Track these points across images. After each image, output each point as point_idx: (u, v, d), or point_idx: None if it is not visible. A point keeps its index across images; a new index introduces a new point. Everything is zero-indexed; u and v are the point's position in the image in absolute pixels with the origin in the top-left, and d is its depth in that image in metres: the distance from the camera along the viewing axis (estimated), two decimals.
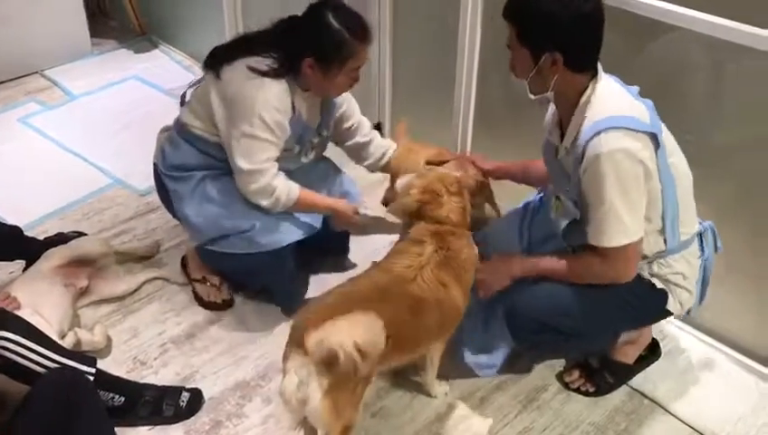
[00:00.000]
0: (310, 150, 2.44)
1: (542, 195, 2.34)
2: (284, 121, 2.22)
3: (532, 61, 1.85)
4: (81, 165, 3.38)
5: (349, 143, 2.62)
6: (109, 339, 2.42)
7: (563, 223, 2.01)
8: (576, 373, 2.29)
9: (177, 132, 2.38)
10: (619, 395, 2.28)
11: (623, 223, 1.83)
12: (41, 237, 2.73)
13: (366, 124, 2.62)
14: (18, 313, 2.15)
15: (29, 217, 2.98)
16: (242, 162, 2.21)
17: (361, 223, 2.52)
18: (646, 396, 2.27)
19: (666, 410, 2.23)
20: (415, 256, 1.99)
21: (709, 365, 2.37)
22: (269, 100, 2.17)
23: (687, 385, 2.31)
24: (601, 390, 2.27)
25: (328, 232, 2.52)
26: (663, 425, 2.20)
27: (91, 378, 2.02)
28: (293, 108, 2.25)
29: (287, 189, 2.28)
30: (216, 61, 2.26)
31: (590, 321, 2.03)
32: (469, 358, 2.27)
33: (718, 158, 2.20)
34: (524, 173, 2.40)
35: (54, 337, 2.14)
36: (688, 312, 2.12)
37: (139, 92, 3.95)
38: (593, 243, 1.89)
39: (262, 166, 2.22)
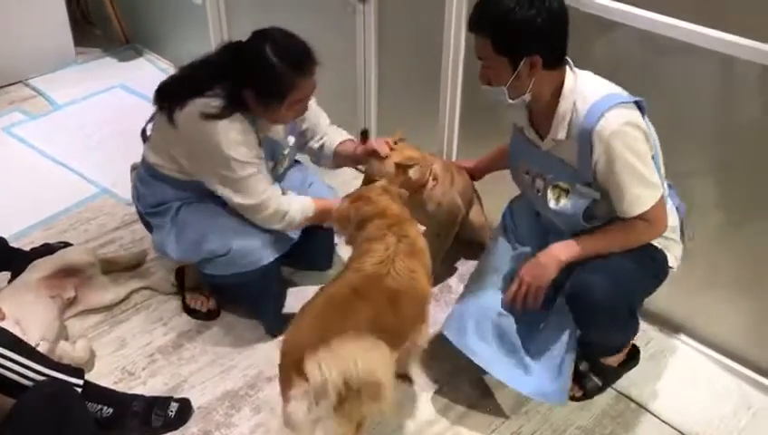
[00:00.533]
0: (284, 161, 2.44)
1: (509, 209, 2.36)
2: (255, 150, 2.19)
3: (511, 68, 1.88)
4: (66, 174, 3.37)
5: (307, 146, 2.57)
6: (92, 353, 2.41)
7: (573, 208, 2.01)
8: None
9: (146, 171, 2.36)
10: (605, 399, 2.30)
11: (650, 183, 1.93)
12: (27, 248, 2.73)
13: (323, 125, 2.55)
14: (1, 324, 2.15)
15: (15, 227, 2.97)
16: (241, 199, 2.20)
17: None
18: (632, 400, 2.29)
19: (651, 413, 2.25)
20: (382, 251, 1.99)
21: (692, 367, 2.40)
22: (232, 140, 2.13)
23: (671, 387, 2.33)
24: (589, 393, 2.29)
25: (312, 247, 2.53)
26: (649, 428, 2.22)
27: (79, 390, 2.02)
28: (257, 135, 2.22)
29: (301, 209, 2.29)
30: (166, 102, 2.20)
31: (637, 291, 2.09)
32: (530, 389, 2.14)
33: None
34: (505, 159, 2.43)
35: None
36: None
37: (124, 101, 3.94)
38: (633, 214, 1.95)
39: (263, 196, 2.20)
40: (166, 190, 2.33)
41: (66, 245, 2.78)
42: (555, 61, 1.91)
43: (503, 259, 2.25)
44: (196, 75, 2.21)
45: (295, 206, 2.28)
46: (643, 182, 1.91)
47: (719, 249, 2.31)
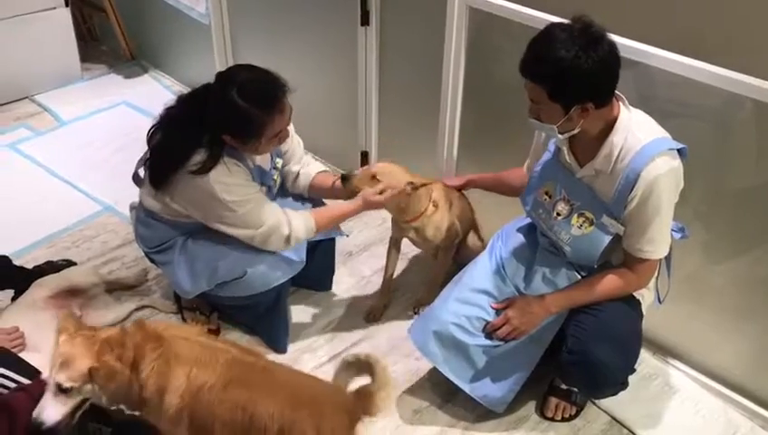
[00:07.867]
0: (276, 183, 2.47)
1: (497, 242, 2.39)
2: (248, 186, 2.24)
3: (563, 112, 1.89)
4: (70, 192, 3.41)
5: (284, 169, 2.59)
6: None
7: (596, 238, 2.04)
8: (553, 402, 2.34)
9: (145, 214, 2.39)
10: (598, 425, 2.32)
11: (667, 233, 2.01)
12: (30, 266, 2.75)
13: (299, 151, 2.57)
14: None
15: (18, 244, 3.01)
16: (249, 232, 2.25)
17: (386, 200, 2.37)
18: (624, 425, 2.31)
19: None
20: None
21: (680, 391, 2.42)
22: (226, 184, 2.18)
23: (659, 412, 2.35)
24: (580, 405, 2.34)
25: (312, 270, 2.57)
26: None
27: None
28: (248, 167, 2.27)
29: (304, 227, 2.31)
30: (161, 178, 2.24)
31: (636, 343, 2.18)
32: (476, 391, 2.25)
33: None
34: (499, 184, 2.50)
35: None
36: (660, 302, 2.23)
37: (129, 118, 3.98)
38: (641, 255, 2.01)
39: (263, 227, 2.24)
40: (167, 230, 2.37)
41: (69, 263, 2.82)
42: (606, 101, 1.91)
43: (479, 276, 2.29)
44: (175, 141, 2.22)
45: (296, 224, 2.30)
46: (663, 229, 1.98)
47: (712, 276, 2.33)
